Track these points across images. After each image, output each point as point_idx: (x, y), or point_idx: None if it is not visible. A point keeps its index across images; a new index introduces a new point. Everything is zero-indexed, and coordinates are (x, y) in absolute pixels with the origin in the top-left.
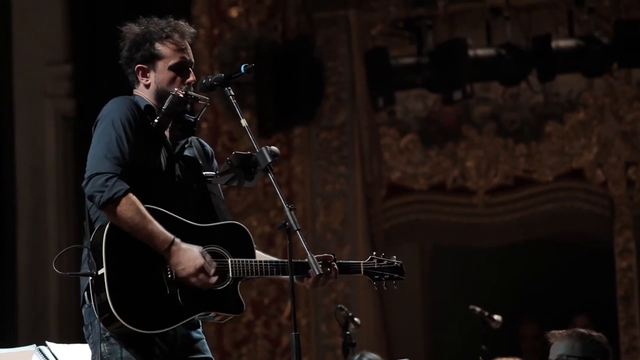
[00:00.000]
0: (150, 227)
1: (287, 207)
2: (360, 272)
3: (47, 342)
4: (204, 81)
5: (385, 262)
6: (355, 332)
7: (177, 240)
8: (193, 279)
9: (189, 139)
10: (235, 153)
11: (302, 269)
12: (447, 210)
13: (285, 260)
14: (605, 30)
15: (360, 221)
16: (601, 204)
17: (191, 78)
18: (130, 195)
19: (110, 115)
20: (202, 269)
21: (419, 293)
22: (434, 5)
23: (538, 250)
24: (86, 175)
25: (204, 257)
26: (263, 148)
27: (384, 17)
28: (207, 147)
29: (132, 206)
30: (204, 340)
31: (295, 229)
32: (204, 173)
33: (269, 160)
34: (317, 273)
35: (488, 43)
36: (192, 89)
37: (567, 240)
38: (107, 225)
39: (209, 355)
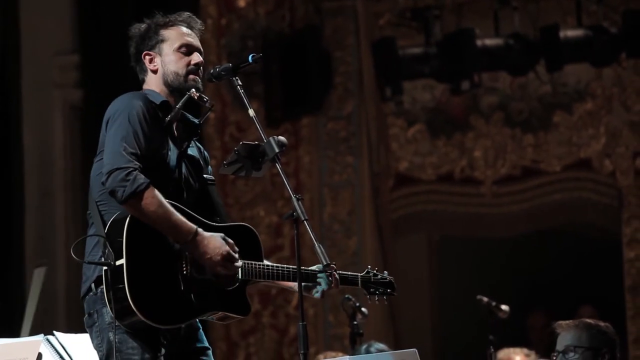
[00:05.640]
0: (174, 218)
1: (295, 197)
2: (358, 285)
3: (55, 332)
4: (211, 71)
5: (379, 276)
6: (362, 322)
7: (200, 230)
8: (219, 267)
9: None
10: (242, 143)
11: (309, 278)
12: (455, 200)
13: (293, 267)
14: (613, 20)
15: (367, 211)
16: (609, 194)
17: (198, 59)
18: (152, 188)
19: (127, 110)
20: (228, 256)
21: (427, 283)
22: None
23: (545, 240)
24: (105, 170)
25: (227, 242)
26: (271, 138)
27: (392, 7)
28: (204, 151)
29: (154, 199)
30: (202, 330)
31: (303, 219)
32: (204, 176)
33: (277, 150)
34: (325, 263)
35: (496, 33)
36: (202, 88)
37: (574, 230)
38: (128, 218)
39: (207, 344)
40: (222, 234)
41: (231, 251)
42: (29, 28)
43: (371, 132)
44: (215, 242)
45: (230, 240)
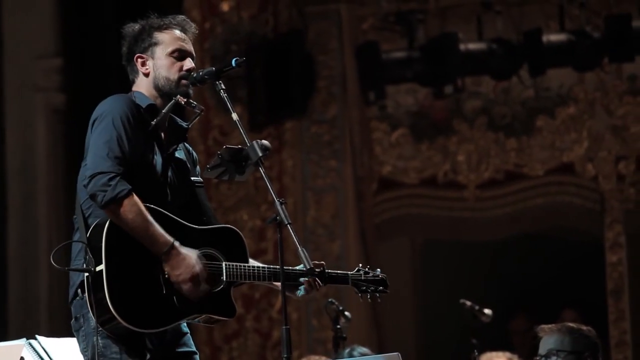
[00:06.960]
0: (151, 229)
1: (278, 201)
2: (348, 283)
3: (37, 336)
4: (194, 75)
5: (370, 274)
6: (346, 326)
7: (177, 244)
8: (185, 286)
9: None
10: (226, 147)
11: (293, 277)
12: (438, 204)
13: (278, 267)
14: (596, 25)
15: (351, 215)
16: (592, 198)
17: (190, 65)
18: (133, 196)
19: (111, 114)
20: (197, 278)
21: (410, 287)
22: None
23: (528, 244)
24: (88, 173)
25: (200, 265)
26: (254, 142)
27: (375, 11)
28: (193, 152)
29: (134, 207)
30: (189, 334)
31: (286, 223)
32: (192, 178)
33: (260, 154)
34: (308, 267)
35: (479, 37)
36: (191, 94)
37: (557, 234)
38: (107, 223)
39: (194, 349)
40: (197, 252)
41: (202, 273)
42: (11, 31)
43: (354, 136)
44: (189, 260)
45: (202, 263)
